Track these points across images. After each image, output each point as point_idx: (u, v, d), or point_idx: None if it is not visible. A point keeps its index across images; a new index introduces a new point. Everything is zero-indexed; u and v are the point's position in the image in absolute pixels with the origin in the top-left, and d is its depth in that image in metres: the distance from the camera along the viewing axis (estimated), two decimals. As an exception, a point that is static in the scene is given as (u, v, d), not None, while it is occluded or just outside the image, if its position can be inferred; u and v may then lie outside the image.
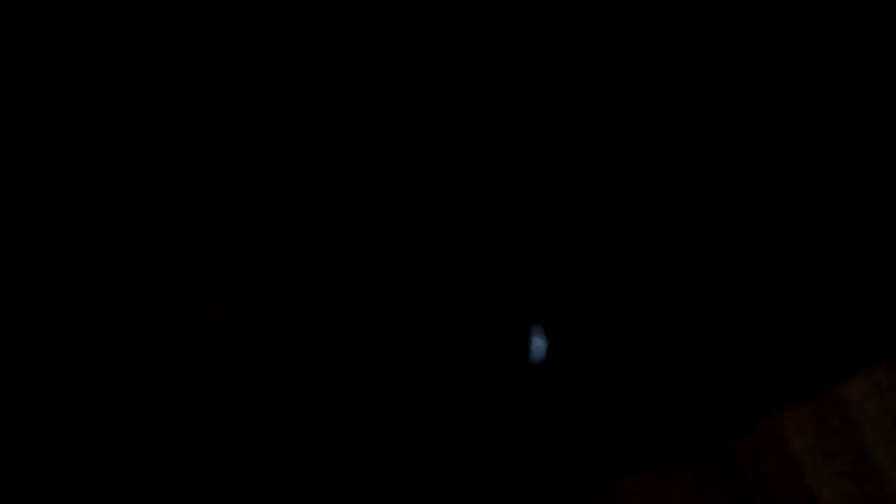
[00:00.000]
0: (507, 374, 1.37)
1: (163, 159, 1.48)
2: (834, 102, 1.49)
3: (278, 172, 1.49)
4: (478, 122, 1.51)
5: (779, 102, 1.50)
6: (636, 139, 1.49)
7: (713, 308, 1.38)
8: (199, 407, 1.37)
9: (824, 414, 1.31)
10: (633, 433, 1.34)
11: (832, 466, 1.28)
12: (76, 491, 1.33)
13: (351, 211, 1.47)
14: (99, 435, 1.36)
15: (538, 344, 1.37)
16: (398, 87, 1.52)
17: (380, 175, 1.49)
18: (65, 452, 1.35)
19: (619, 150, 1.49)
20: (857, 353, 1.33)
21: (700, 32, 1.53)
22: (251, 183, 1.48)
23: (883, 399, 1.30)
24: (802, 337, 1.35)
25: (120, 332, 1.40)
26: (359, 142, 1.51)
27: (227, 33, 1.52)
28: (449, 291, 1.42)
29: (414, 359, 1.39)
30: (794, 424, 1.31)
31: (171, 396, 1.37)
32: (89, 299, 1.42)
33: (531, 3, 1.53)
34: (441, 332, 1.40)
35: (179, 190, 1.47)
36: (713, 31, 1.53)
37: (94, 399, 1.37)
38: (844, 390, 1.31)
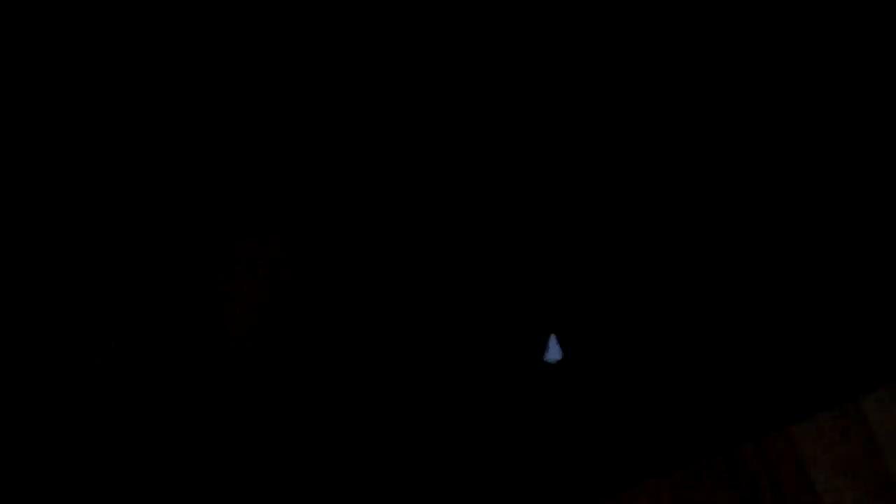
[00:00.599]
0: (524, 377, 1.36)
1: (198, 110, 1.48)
2: (838, 103, 1.48)
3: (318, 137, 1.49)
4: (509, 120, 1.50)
5: (792, 105, 1.49)
6: (658, 145, 1.48)
7: (735, 318, 1.37)
8: (224, 382, 1.36)
9: (841, 426, 1.29)
10: (649, 438, 1.33)
11: (847, 479, 1.27)
12: (88, 471, 1.32)
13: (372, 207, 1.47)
14: (110, 409, 1.35)
15: (554, 348, 1.36)
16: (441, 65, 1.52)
17: (409, 169, 1.49)
18: (79, 427, 1.34)
19: (642, 157, 1.48)
20: (876, 367, 1.32)
21: (700, 32, 1.52)
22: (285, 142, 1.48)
23: (902, 414, 1.29)
24: (823, 349, 1.34)
25: (145, 293, 1.40)
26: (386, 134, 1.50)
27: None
28: (469, 290, 1.41)
29: (430, 353, 1.38)
30: (809, 436, 1.30)
31: (194, 370, 1.36)
32: (111, 258, 1.41)
33: (532, 3, 1.53)
34: (458, 333, 1.39)
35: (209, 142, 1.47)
36: (713, 31, 1.52)
37: (110, 371, 1.37)
38: (863, 404, 1.30)
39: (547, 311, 1.40)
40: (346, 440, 1.34)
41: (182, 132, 1.47)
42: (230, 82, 1.50)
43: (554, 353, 1.34)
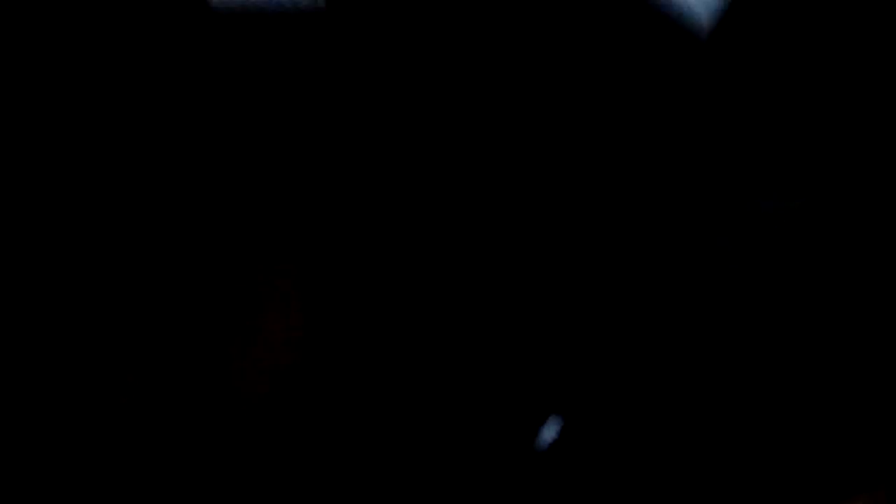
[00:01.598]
0: (511, 461, 1.37)
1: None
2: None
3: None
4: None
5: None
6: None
7: (714, 424, 1.35)
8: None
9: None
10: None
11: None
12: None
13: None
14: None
15: (546, 433, 1.37)
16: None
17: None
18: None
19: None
20: (852, 482, 1.34)
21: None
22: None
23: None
24: (798, 461, 1.35)
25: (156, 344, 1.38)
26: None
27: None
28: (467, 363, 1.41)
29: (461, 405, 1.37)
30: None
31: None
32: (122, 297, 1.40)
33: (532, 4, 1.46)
34: (496, 392, 1.39)
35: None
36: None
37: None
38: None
39: (542, 398, 1.40)
40: (370, 487, 1.34)
41: (217, 174, 1.42)
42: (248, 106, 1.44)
43: (549, 435, 1.37)
